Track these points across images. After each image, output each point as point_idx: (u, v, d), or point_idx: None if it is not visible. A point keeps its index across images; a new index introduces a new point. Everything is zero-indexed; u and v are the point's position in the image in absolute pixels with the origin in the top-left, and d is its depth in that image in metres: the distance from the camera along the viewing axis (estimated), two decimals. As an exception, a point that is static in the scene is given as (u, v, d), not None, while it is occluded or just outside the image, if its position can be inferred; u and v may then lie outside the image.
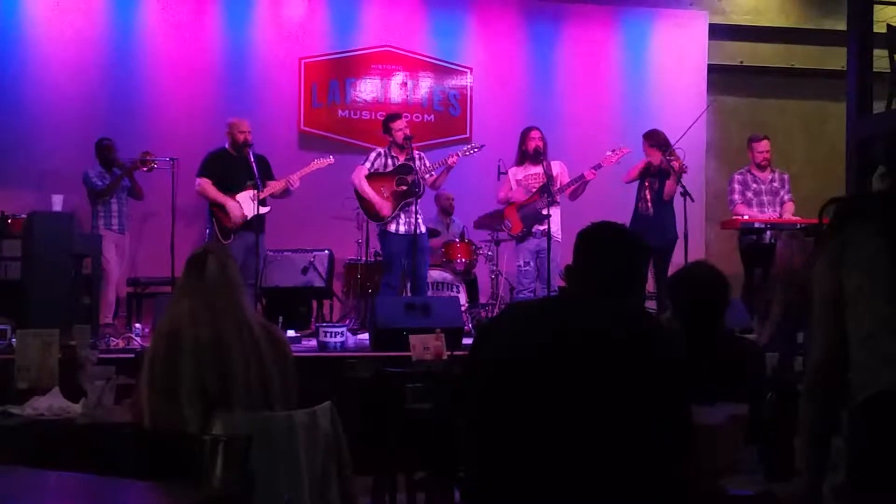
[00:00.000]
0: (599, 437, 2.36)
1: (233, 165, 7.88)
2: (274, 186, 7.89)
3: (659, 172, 8.15)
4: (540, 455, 2.40)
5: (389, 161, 7.88)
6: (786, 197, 8.46)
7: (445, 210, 9.64)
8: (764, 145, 8.49)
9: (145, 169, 8.33)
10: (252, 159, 7.81)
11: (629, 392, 2.38)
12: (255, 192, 7.72)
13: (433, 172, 7.89)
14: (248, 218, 7.78)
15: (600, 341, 2.43)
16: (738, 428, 2.70)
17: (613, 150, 8.14)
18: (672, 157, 8.07)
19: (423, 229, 7.96)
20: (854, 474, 2.23)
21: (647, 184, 8.18)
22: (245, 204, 7.81)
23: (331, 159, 8.23)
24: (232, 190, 7.84)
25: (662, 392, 2.40)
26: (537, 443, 2.41)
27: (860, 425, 2.23)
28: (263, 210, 7.80)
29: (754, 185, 8.46)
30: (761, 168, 8.49)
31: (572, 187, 8.00)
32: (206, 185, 7.85)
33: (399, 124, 7.90)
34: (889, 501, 2.17)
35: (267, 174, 7.95)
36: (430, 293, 8.20)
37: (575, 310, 2.61)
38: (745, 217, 8.28)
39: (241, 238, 7.78)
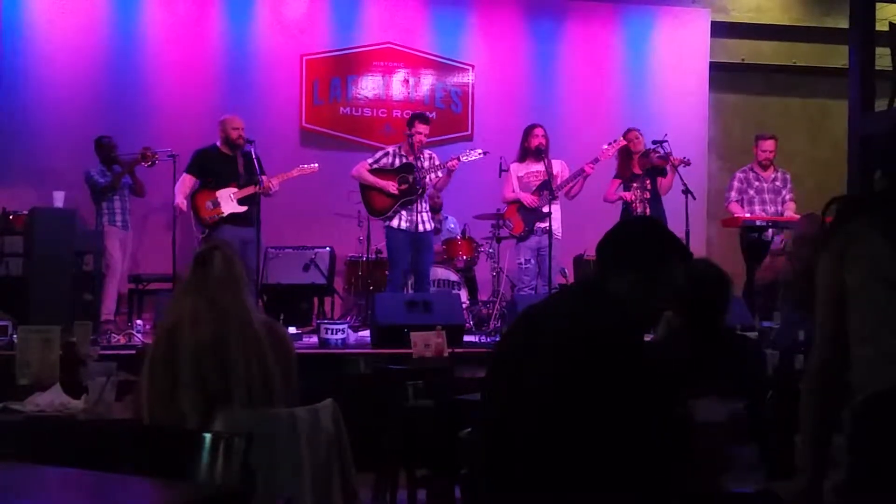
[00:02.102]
0: (574, 437, 2.37)
1: (221, 163, 7.88)
2: (248, 190, 7.83)
3: (651, 171, 8.14)
4: (526, 453, 2.41)
5: (397, 160, 7.89)
6: (787, 196, 8.46)
7: (433, 208, 9.58)
8: (769, 145, 8.50)
9: (146, 164, 8.32)
10: (243, 157, 7.85)
11: (586, 392, 2.37)
12: (237, 189, 7.76)
13: (439, 173, 7.87)
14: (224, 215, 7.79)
15: (552, 342, 2.44)
16: (734, 425, 2.70)
17: (609, 144, 8.16)
18: (662, 153, 8.09)
19: (429, 227, 7.94)
20: (855, 473, 2.23)
21: (639, 184, 8.17)
22: (225, 201, 7.81)
23: (315, 166, 8.17)
24: (220, 187, 7.84)
25: (615, 392, 2.38)
26: (522, 441, 2.42)
27: (861, 424, 2.23)
28: (241, 209, 7.77)
29: (756, 184, 8.47)
30: (763, 167, 8.49)
31: (572, 182, 8.00)
32: (184, 181, 7.86)
33: (422, 128, 7.86)
34: (891, 501, 2.17)
35: (255, 172, 7.91)
36: (431, 290, 8.19)
37: (546, 309, 2.64)
38: (747, 214, 8.28)
39: (234, 232, 7.72)
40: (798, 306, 5.73)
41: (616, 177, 8.40)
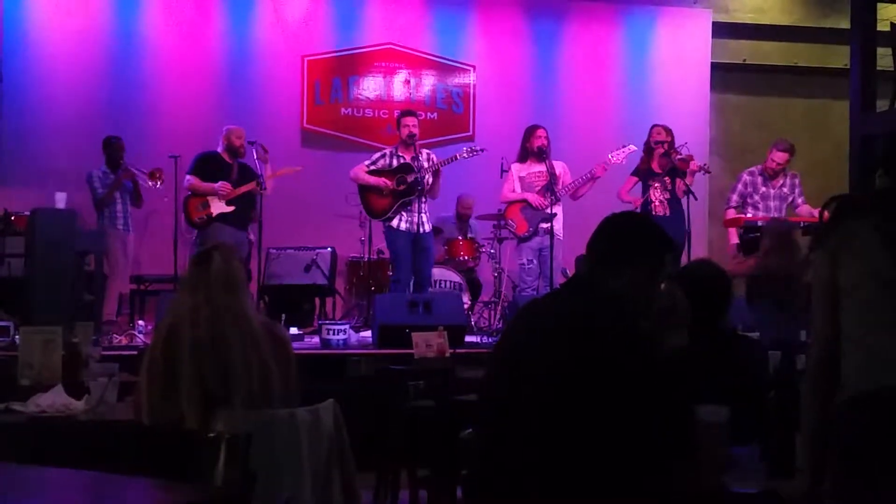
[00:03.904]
0: (575, 435, 2.36)
1: (218, 169, 8.02)
2: (246, 187, 8.00)
3: (672, 171, 8.07)
4: (527, 452, 2.40)
5: (395, 160, 7.89)
6: (799, 199, 8.27)
7: (461, 217, 9.54)
8: (781, 157, 8.16)
9: (150, 183, 8.38)
10: (240, 164, 8.09)
11: (589, 390, 2.36)
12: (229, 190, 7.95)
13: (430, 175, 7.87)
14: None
15: (553, 339, 2.44)
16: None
17: (619, 149, 8.10)
18: (685, 156, 8.06)
19: (428, 229, 7.93)
20: (841, 472, 2.23)
21: (658, 184, 8.11)
22: (213, 202, 7.95)
23: (299, 168, 8.29)
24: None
25: (621, 390, 2.37)
26: (522, 440, 2.41)
27: (847, 422, 2.23)
28: (229, 208, 7.95)
29: (763, 189, 8.26)
30: (771, 175, 8.27)
31: (579, 185, 7.97)
32: (194, 180, 7.99)
33: (407, 121, 7.90)
34: (875, 499, 2.16)
35: (252, 177, 8.06)
36: (431, 291, 8.19)
37: (544, 306, 2.63)
38: (749, 215, 8.20)
39: (227, 233, 7.79)
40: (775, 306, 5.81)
41: (634, 173, 8.29)
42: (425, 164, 7.83)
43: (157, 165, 8.38)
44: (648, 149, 8.22)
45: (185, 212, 8.04)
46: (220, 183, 7.95)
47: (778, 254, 6.26)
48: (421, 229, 7.77)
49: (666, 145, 8.13)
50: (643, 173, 8.22)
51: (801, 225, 7.79)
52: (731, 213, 8.27)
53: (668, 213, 8.01)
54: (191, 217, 7.99)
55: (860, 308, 2.25)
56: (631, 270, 2.56)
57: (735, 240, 8.17)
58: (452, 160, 7.87)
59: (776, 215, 8.21)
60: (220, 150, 8.10)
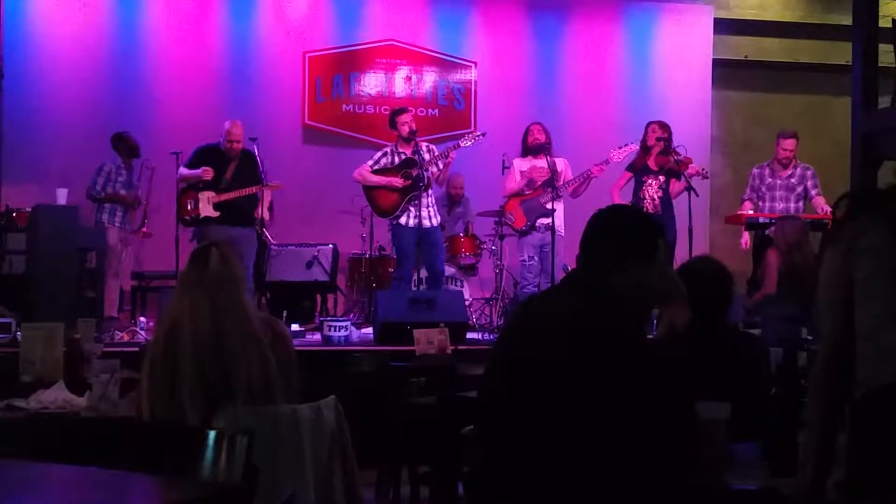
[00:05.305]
0: (576, 433, 2.35)
1: (215, 164, 7.86)
2: (240, 192, 7.85)
3: (668, 170, 8.05)
4: (528, 449, 2.40)
5: (396, 158, 7.87)
6: (813, 192, 8.28)
7: (452, 199, 9.51)
8: (789, 143, 8.25)
9: (140, 233, 8.45)
10: (240, 160, 7.90)
11: (590, 388, 2.36)
12: (214, 194, 7.79)
13: (438, 164, 7.84)
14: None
15: (554, 337, 2.43)
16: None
17: (620, 147, 8.08)
18: (683, 158, 8.05)
19: (435, 223, 7.89)
20: (853, 469, 2.23)
21: (653, 182, 8.10)
22: (203, 204, 7.84)
23: (280, 185, 8.12)
24: (212, 185, 7.86)
25: (622, 387, 2.37)
26: (523, 437, 2.41)
27: (860, 420, 2.23)
28: (215, 213, 7.79)
29: (769, 181, 8.31)
30: (783, 165, 8.30)
31: (577, 183, 7.96)
32: (184, 170, 7.87)
33: (404, 118, 7.88)
34: (889, 497, 2.16)
35: (252, 175, 7.92)
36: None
37: (543, 304, 2.62)
38: (750, 212, 8.23)
39: (223, 231, 7.72)
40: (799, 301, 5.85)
41: (628, 169, 8.25)
42: (426, 157, 7.81)
43: (157, 162, 8.38)
44: (645, 147, 8.19)
45: (177, 208, 7.93)
46: (202, 168, 7.77)
47: (801, 249, 6.44)
48: (428, 223, 7.75)
49: (664, 142, 8.11)
50: (639, 170, 8.19)
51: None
52: (748, 206, 8.35)
53: (659, 212, 8.01)
54: (181, 213, 7.90)
55: (873, 303, 2.25)
56: (629, 262, 2.54)
57: (745, 238, 8.32)
58: (455, 148, 7.85)
59: (783, 205, 8.23)
60: (221, 145, 8.04)
